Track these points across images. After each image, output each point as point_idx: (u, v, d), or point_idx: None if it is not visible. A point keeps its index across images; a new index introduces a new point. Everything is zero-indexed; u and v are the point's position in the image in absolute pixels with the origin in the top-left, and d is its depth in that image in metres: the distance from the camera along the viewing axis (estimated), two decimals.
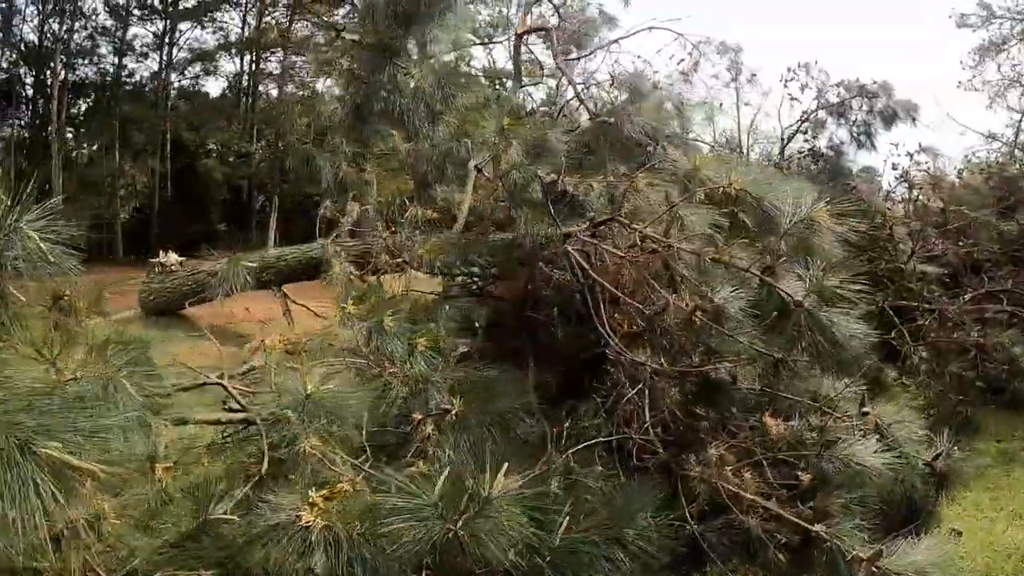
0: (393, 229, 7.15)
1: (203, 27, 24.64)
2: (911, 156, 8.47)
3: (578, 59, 10.18)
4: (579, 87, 8.21)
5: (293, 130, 8.66)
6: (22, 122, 24.15)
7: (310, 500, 2.86)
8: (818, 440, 3.81)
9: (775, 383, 4.08)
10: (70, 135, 24.69)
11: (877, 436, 4.26)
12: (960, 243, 9.76)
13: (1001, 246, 9.71)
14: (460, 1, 6.12)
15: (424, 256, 6.77)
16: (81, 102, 24.76)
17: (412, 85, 5.74)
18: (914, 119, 9.62)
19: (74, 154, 24.38)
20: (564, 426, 5.23)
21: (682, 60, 10.00)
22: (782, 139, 9.96)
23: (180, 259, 7.15)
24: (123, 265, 19.89)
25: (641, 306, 4.00)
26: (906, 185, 8.47)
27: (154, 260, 7.80)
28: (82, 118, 24.81)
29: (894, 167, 8.60)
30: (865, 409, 4.24)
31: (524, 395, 4.87)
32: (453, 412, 4.38)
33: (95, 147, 24.45)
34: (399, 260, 6.95)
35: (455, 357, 6.20)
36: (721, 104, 10.17)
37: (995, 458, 6.26)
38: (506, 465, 2.76)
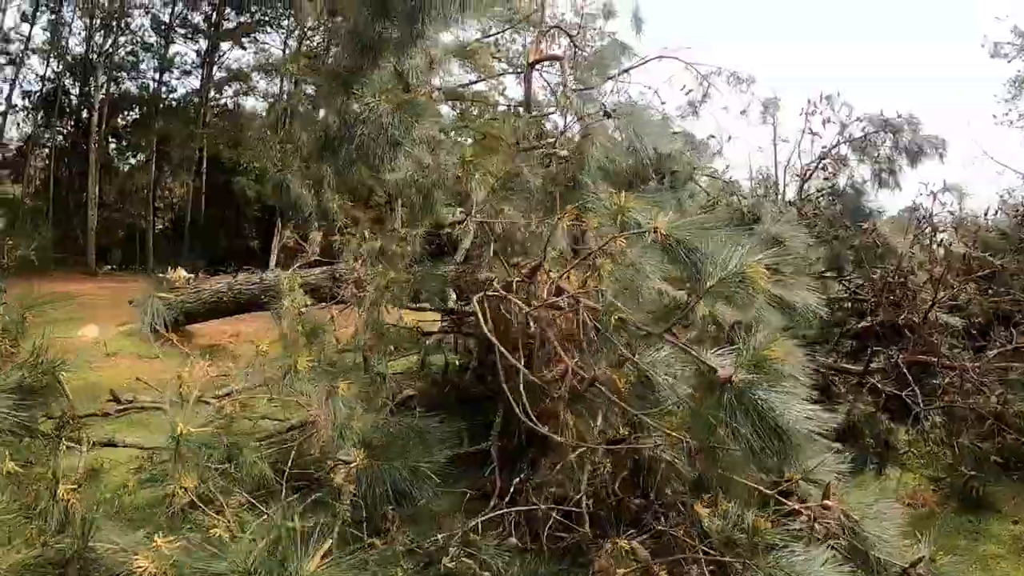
0: (360, 260, 6.75)
1: (243, 48, 24.65)
2: (934, 195, 7.60)
3: (588, 90, 9.68)
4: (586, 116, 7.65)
5: (269, 156, 8.30)
6: (64, 132, 24.41)
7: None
8: (748, 545, 3.08)
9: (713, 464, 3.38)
10: (113, 147, 24.90)
11: (845, 532, 3.55)
12: (989, 291, 8.85)
13: None
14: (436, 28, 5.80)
15: (384, 289, 6.25)
16: (123, 116, 24.93)
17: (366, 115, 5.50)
18: (942, 156, 8.75)
19: (114, 165, 24.56)
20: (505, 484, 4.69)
21: (690, 91, 9.29)
22: (800, 177, 9.14)
23: (189, 276, 6.81)
24: (152, 277, 19.82)
25: (545, 371, 3.33)
26: (928, 227, 7.57)
27: (162, 276, 7.47)
28: (124, 131, 24.97)
29: (915, 208, 7.73)
30: (826, 502, 3.49)
31: (446, 449, 4.34)
32: (353, 465, 3.84)
33: (135, 160, 24.64)
34: (360, 292, 6.47)
35: (393, 402, 5.64)
36: (730, 137, 9.31)
37: (1009, 545, 5.36)
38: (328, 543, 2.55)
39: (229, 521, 3.46)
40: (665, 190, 8.00)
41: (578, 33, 10.40)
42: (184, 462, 3.34)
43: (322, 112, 7.40)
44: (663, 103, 9.12)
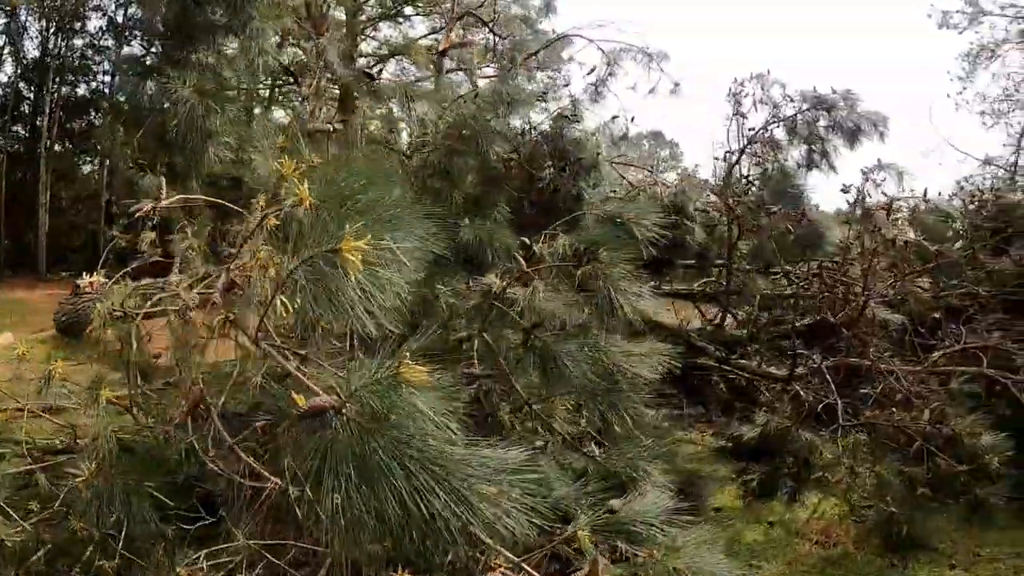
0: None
1: None
2: (866, 175, 6.41)
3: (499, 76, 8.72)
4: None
5: (121, 151, 7.25)
6: (17, 136, 23.20)
7: None
8: None
9: None
10: (67, 150, 23.69)
11: None
12: (941, 284, 7.67)
13: (991, 288, 7.57)
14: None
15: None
16: (79, 120, 23.70)
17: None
18: (883, 134, 7.54)
19: (73, 170, 23.39)
20: None
21: (592, 70, 8.11)
22: (727, 162, 7.96)
23: (103, 281, 5.81)
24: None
25: None
26: (860, 211, 6.39)
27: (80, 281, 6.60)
28: (79, 135, 23.75)
29: (845, 189, 6.54)
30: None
31: None
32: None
33: (89, 164, 23.49)
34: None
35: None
36: (633, 118, 8.11)
37: None
38: None
39: None
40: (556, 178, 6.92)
41: (493, 20, 9.27)
42: None
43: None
44: (566, 85, 7.90)
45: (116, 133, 7.86)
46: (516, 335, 3.82)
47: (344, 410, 1.96)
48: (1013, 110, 14.38)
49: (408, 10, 16.50)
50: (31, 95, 23.01)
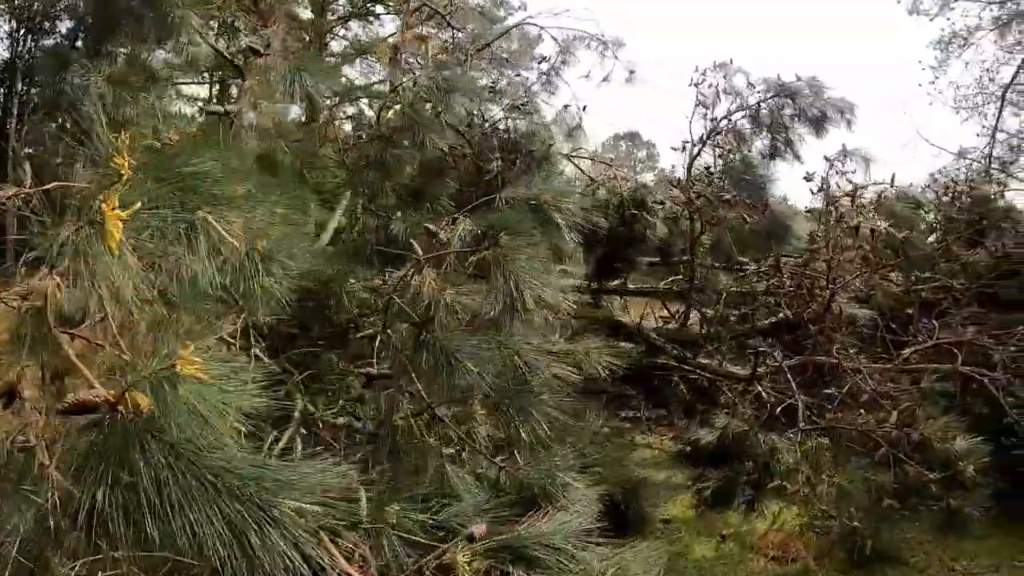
0: None
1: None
2: (830, 163, 5.89)
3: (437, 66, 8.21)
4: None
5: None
6: None
7: None
8: None
9: None
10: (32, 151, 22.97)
11: None
12: (914, 277, 7.15)
13: (965, 281, 7.06)
14: None
15: None
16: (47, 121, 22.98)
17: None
18: (849, 122, 7.04)
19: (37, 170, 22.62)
20: None
21: (543, 59, 7.57)
22: (688, 153, 7.44)
23: None
24: None
25: None
26: (825, 200, 5.86)
27: None
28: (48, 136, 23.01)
29: (808, 177, 6.01)
30: None
31: None
32: None
33: (56, 165, 22.70)
34: None
35: None
36: (585, 107, 7.58)
37: None
38: None
39: None
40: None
41: (450, 12, 8.74)
42: None
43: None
44: (517, 75, 7.36)
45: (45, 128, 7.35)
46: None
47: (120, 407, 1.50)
48: (988, 103, 13.72)
49: (379, 8, 15.99)
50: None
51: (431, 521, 2.90)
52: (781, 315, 7.29)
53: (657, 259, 8.05)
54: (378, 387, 3.72)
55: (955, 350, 5.93)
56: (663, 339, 6.93)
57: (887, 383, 5.10)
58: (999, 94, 13.39)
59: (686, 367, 6.60)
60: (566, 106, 7.44)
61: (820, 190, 5.85)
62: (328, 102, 5.53)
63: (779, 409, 4.99)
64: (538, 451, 3.83)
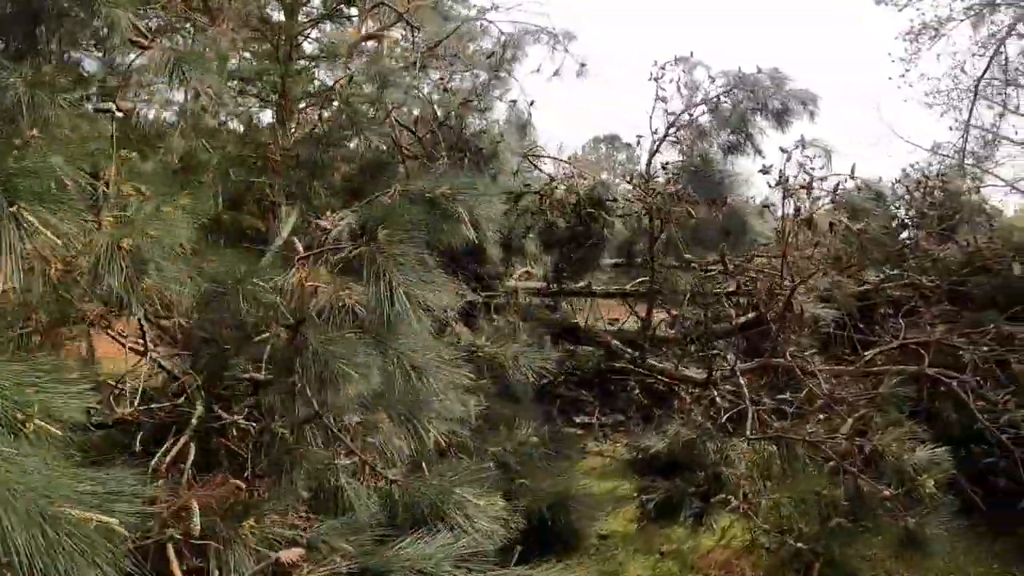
0: None
1: None
2: (787, 154, 5.41)
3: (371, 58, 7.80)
4: None
5: None
6: None
7: None
8: None
9: None
10: None
11: None
12: (880, 274, 6.68)
13: (936, 277, 6.58)
14: None
15: None
16: None
17: None
18: (812, 114, 6.58)
19: None
20: None
21: (491, 55, 7.08)
22: (648, 150, 6.98)
23: None
24: None
25: None
26: (783, 193, 5.37)
27: None
28: None
29: (765, 171, 5.53)
30: None
31: None
32: None
33: None
34: None
35: None
36: (533, 102, 7.10)
37: None
38: None
39: None
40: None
41: (407, 9, 8.29)
42: None
43: None
44: (466, 69, 6.90)
45: None
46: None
47: None
48: (962, 98, 13.06)
49: (353, 11, 15.45)
50: None
51: (298, 537, 2.52)
52: (747, 316, 6.85)
53: (621, 260, 7.60)
54: (264, 393, 3.27)
55: (922, 351, 5.46)
56: (620, 342, 6.45)
57: (845, 388, 4.62)
58: (972, 87, 12.84)
59: (641, 371, 6.12)
60: (513, 102, 6.96)
61: (778, 183, 5.36)
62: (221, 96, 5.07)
63: (727, 416, 4.51)
64: (438, 463, 3.40)
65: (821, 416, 4.54)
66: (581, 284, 7.47)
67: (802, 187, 4.97)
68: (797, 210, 5.30)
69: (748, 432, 4.14)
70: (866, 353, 5.32)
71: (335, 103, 6.08)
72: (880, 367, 5.34)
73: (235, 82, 10.30)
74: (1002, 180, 11.77)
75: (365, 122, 5.68)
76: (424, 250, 2.82)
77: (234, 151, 6.63)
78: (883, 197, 5.86)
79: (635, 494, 4.81)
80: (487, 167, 6.30)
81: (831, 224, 5.19)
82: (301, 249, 2.91)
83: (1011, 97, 13.08)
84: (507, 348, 4.53)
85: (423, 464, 3.28)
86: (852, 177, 5.29)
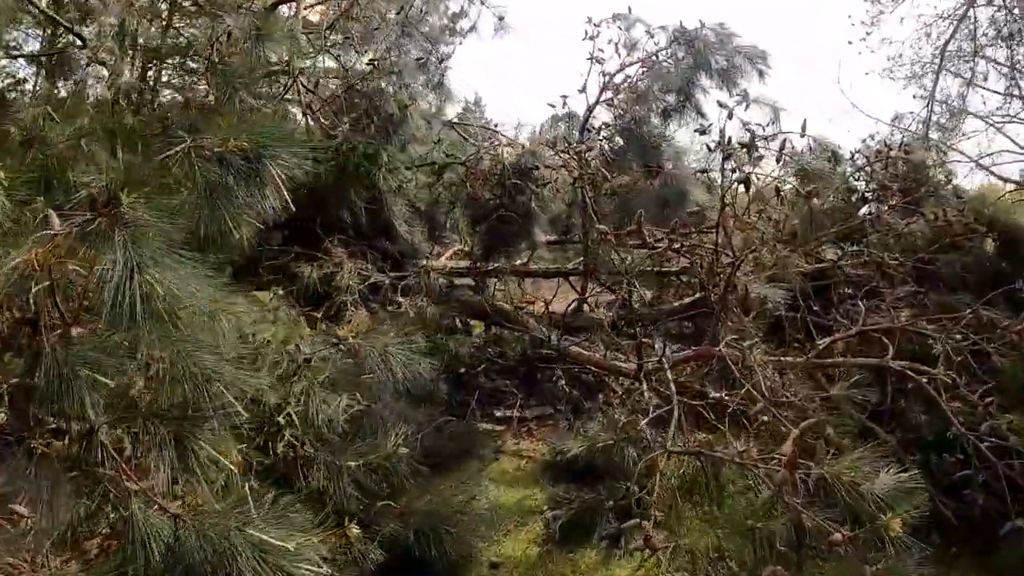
0: None
1: None
2: (729, 111, 4.31)
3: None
4: None
5: None
6: None
7: None
8: None
9: None
10: None
11: None
12: (840, 249, 5.63)
13: (900, 255, 5.50)
14: None
15: None
16: None
17: None
18: (762, 72, 5.49)
19: None
20: None
21: (400, 10, 5.87)
22: (583, 116, 5.86)
23: None
24: None
25: None
26: (723, 157, 4.27)
27: None
28: None
29: (700, 130, 4.44)
30: None
31: None
32: None
33: None
34: None
35: None
36: (443, 60, 5.96)
37: None
38: None
39: None
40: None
41: None
42: None
43: None
44: (377, 28, 5.71)
45: None
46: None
47: None
48: (926, 68, 11.66)
49: None
50: None
51: None
52: (693, 297, 5.80)
53: (559, 236, 6.52)
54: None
55: (885, 339, 4.40)
56: (545, 326, 5.36)
57: (793, 385, 3.55)
58: (938, 54, 11.60)
59: (568, 359, 5.04)
60: (419, 59, 5.81)
61: (718, 145, 4.27)
62: None
63: (655, 416, 3.43)
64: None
65: (763, 420, 3.50)
66: (518, 263, 6.38)
67: (742, 145, 3.87)
68: (735, 172, 4.20)
69: (671, 439, 3.07)
70: (819, 342, 4.25)
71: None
72: (836, 359, 4.28)
73: None
74: (966, 156, 10.69)
75: (242, 84, 4.56)
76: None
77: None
78: (839, 158, 4.78)
79: (544, 507, 3.74)
80: (396, 134, 5.20)
81: (777, 189, 4.11)
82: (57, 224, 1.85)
83: (979, 66, 11.78)
84: (377, 340, 3.45)
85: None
86: (803, 135, 4.20)
